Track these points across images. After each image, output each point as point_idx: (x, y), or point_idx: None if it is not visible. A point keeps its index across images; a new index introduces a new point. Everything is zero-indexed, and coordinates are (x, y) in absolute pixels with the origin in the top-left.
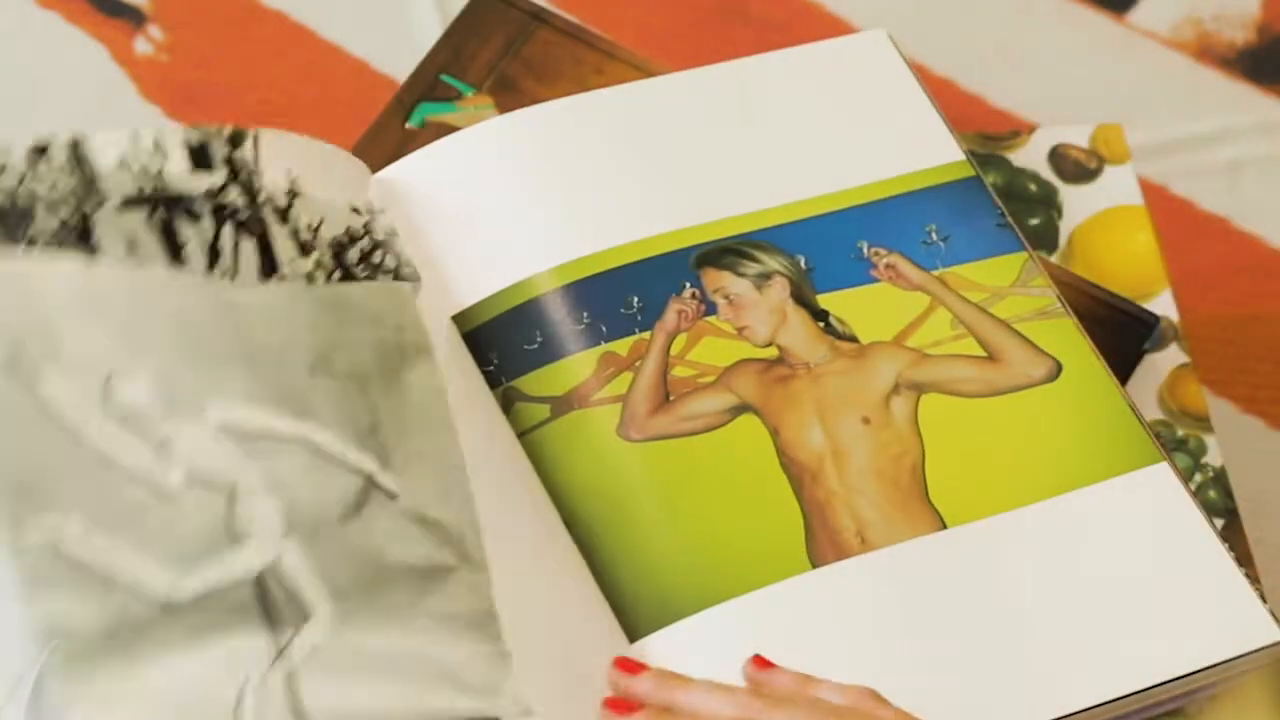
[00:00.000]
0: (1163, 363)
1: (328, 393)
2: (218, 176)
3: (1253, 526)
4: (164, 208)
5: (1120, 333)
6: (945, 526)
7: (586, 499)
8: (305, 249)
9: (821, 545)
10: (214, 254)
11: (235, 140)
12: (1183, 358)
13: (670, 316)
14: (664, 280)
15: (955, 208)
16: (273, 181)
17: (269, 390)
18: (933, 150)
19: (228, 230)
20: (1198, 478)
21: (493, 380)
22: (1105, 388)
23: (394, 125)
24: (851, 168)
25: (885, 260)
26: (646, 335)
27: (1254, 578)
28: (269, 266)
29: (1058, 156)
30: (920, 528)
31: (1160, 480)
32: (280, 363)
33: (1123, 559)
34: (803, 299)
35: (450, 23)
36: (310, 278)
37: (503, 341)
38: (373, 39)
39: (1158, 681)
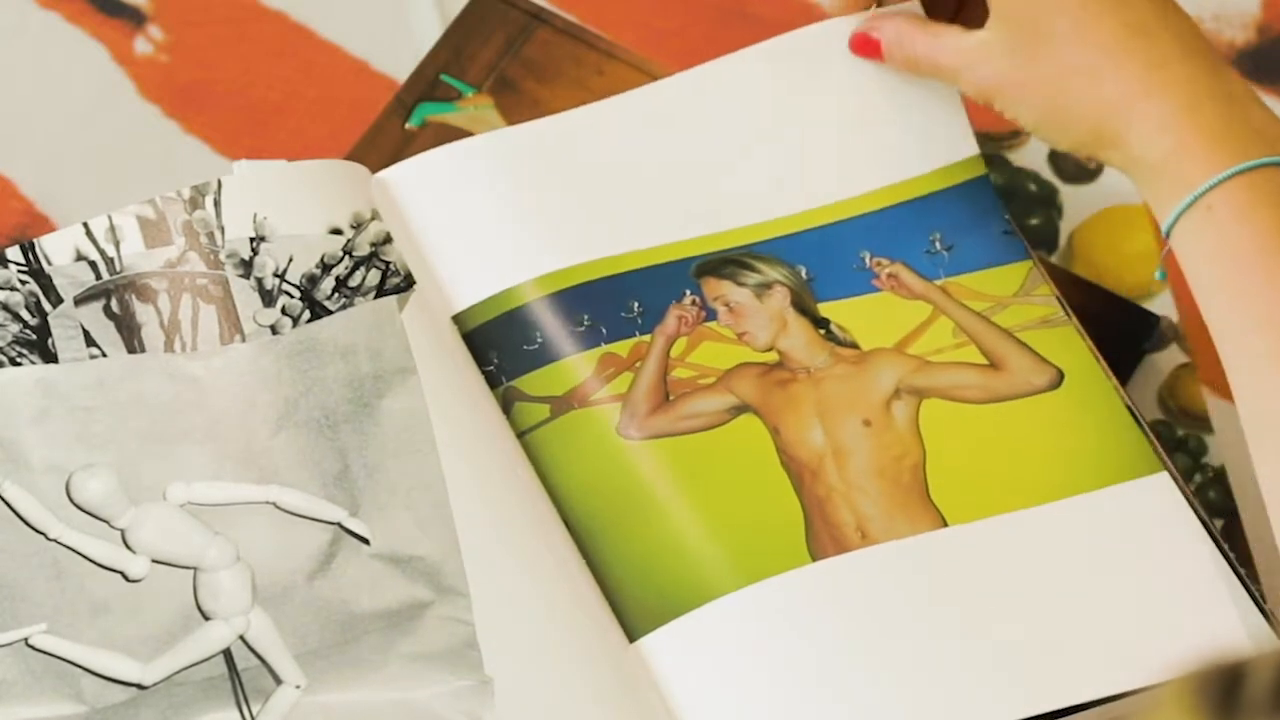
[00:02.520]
0: (1163, 363)
1: (293, 447)
2: (175, 248)
3: (1253, 526)
4: (120, 293)
5: (1120, 333)
6: (946, 524)
7: (586, 498)
8: (269, 299)
9: (822, 540)
10: (174, 326)
11: (195, 200)
12: (1183, 358)
13: (670, 321)
14: (665, 287)
15: (961, 214)
16: (236, 234)
17: (231, 461)
18: (943, 147)
19: (186, 301)
20: (1198, 478)
21: (493, 380)
22: (1107, 396)
23: (394, 125)
24: (855, 175)
25: (887, 270)
26: (646, 338)
27: (1254, 578)
28: (231, 328)
29: (1058, 156)
30: (921, 525)
31: (1161, 489)
32: (242, 428)
33: (1121, 565)
34: (803, 307)
35: (450, 23)
36: (275, 329)
37: (503, 341)
38: (373, 39)
39: (1148, 685)
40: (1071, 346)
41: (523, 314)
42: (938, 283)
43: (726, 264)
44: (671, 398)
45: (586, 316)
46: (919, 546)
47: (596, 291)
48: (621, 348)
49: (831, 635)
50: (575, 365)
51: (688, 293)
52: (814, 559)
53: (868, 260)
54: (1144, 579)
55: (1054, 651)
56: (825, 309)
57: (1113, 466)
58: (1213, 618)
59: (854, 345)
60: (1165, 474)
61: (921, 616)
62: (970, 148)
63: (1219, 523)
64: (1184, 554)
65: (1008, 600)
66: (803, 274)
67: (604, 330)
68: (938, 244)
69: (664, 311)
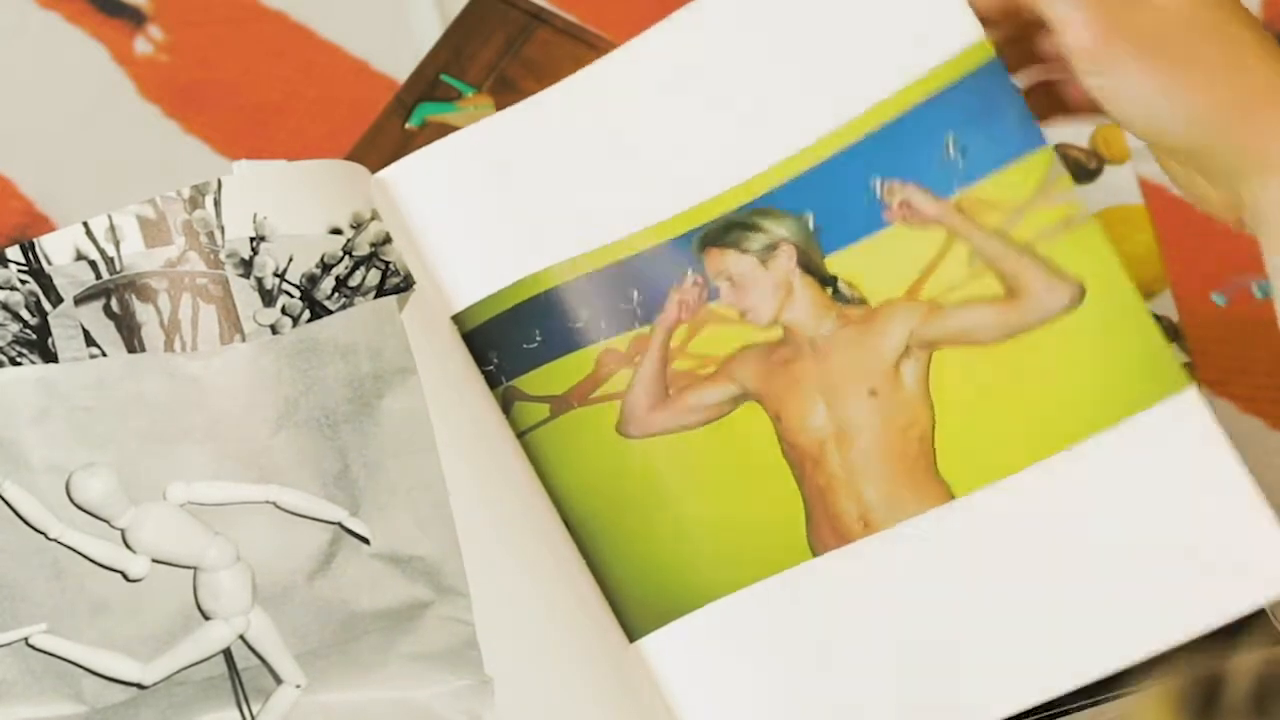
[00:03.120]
0: None
1: (293, 446)
2: (175, 248)
3: None
4: (120, 293)
5: None
6: (953, 498)
7: (586, 498)
8: (269, 298)
9: (823, 532)
10: (174, 326)
11: (195, 200)
12: (1183, 358)
13: (671, 310)
14: (665, 270)
15: (975, 106)
16: (236, 234)
17: (231, 460)
18: (946, 36)
19: (186, 301)
20: None
21: (493, 380)
22: (1131, 302)
23: (394, 125)
24: (855, 92)
25: (899, 198)
26: (647, 329)
27: None
28: (231, 328)
29: (1058, 156)
30: (927, 501)
31: (1191, 408)
32: (242, 428)
33: (1153, 502)
34: (810, 266)
35: (450, 23)
36: (275, 328)
37: (502, 341)
38: (373, 39)
39: (1192, 637)
40: (1094, 248)
41: (521, 312)
42: (952, 199)
43: (730, 229)
44: (671, 392)
45: (586, 310)
46: (924, 526)
47: (596, 283)
48: (621, 342)
49: (833, 633)
50: (574, 363)
51: (689, 272)
52: (815, 553)
53: (878, 189)
54: (1177, 519)
55: (1084, 614)
56: (833, 261)
57: (1139, 387)
58: (1249, 552)
59: (862, 301)
60: (1194, 388)
61: (927, 605)
62: (975, 32)
63: None
64: (1217, 484)
65: (1023, 571)
66: (809, 224)
67: (603, 324)
68: (951, 149)
69: (664, 298)
